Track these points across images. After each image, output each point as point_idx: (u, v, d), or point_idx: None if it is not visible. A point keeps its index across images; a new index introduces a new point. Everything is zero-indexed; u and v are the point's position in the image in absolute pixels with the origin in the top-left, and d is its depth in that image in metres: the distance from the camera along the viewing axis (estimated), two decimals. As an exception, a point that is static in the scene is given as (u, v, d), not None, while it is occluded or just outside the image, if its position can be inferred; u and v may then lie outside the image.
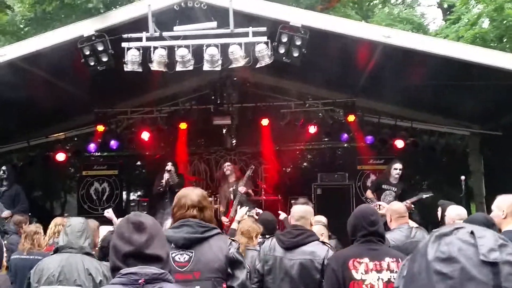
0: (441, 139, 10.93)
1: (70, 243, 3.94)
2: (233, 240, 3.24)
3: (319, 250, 3.97)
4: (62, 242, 4.01)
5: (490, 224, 3.85)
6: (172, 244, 2.99)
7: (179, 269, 2.95)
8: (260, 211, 6.92)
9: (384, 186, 8.80)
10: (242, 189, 8.69)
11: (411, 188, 8.80)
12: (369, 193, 8.96)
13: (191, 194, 3.18)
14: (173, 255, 2.96)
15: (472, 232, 1.18)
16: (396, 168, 8.70)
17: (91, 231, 4.22)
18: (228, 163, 9.49)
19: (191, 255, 2.98)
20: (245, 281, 3.08)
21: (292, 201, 4.55)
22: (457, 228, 1.20)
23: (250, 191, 9.00)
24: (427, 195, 8.16)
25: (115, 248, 1.95)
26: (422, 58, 7.37)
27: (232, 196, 8.93)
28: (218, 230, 3.16)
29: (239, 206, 8.22)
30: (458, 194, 7.99)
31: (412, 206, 8.10)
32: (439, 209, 5.80)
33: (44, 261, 4.06)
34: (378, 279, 3.16)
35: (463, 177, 7.46)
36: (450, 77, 8.15)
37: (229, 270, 3.01)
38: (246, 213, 5.99)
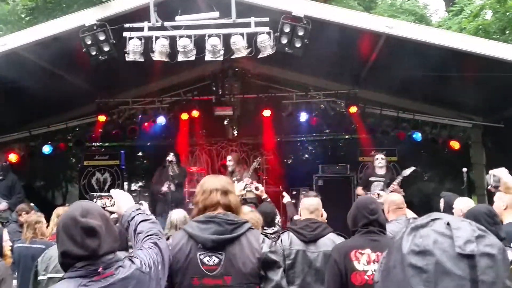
0: (443, 131, 10.91)
1: None
2: (266, 236, 3.03)
3: (338, 240, 3.97)
4: None
5: (492, 215, 3.84)
6: (199, 245, 2.76)
7: (208, 273, 2.70)
8: (260, 185, 6.85)
9: (371, 179, 8.91)
10: (247, 180, 8.68)
11: (409, 179, 8.80)
12: (359, 190, 9.05)
13: (214, 179, 3.02)
14: (201, 256, 2.72)
15: (448, 224, 1.12)
16: (377, 158, 8.86)
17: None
18: (230, 156, 9.41)
19: (221, 257, 2.72)
20: (280, 281, 2.80)
21: (303, 193, 4.47)
22: (433, 219, 1.14)
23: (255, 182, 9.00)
24: (410, 171, 8.23)
25: (66, 251, 1.99)
26: (424, 49, 7.33)
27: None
28: (249, 225, 2.90)
29: (236, 181, 8.22)
30: (460, 186, 8.01)
31: (400, 189, 8.14)
32: (442, 201, 5.79)
33: (51, 250, 4.09)
34: (379, 270, 3.15)
35: (465, 169, 7.46)
36: (452, 68, 8.12)
37: (261, 272, 2.78)
38: (244, 189, 5.96)
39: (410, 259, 1.09)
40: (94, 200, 2.74)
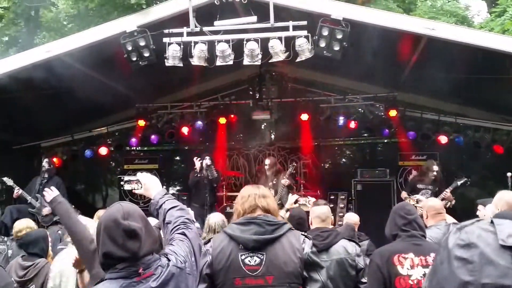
0: (486, 135, 10.63)
1: None
2: (306, 236, 3.05)
3: (350, 247, 3.97)
4: None
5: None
6: (241, 246, 2.79)
7: (250, 273, 2.74)
8: (313, 199, 6.81)
9: (419, 186, 8.83)
10: (285, 181, 8.66)
11: (449, 182, 8.63)
12: (404, 194, 8.94)
13: (252, 186, 3.14)
14: (243, 257, 2.77)
15: (491, 222, 1.23)
16: (433, 171, 8.75)
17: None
18: (268, 160, 9.38)
19: (262, 257, 2.76)
20: (326, 282, 2.89)
21: (312, 202, 4.45)
22: (478, 220, 1.27)
23: (292, 184, 8.98)
24: (462, 181, 8.32)
25: (108, 252, 2.03)
26: (467, 51, 7.16)
27: (272, 192, 8.89)
28: (290, 226, 2.95)
29: (282, 199, 8.22)
30: (504, 192, 7.75)
31: (452, 197, 8.21)
32: (479, 208, 5.61)
33: None
34: (424, 274, 3.09)
35: (509, 174, 7.26)
36: (495, 70, 7.91)
37: (305, 273, 2.81)
38: (296, 202, 5.96)
39: (456, 252, 1.19)
40: (123, 184, 2.83)
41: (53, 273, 4.40)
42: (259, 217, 2.84)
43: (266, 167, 9.15)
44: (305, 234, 3.30)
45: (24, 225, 5.42)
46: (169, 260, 2.17)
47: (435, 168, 8.80)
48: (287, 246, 2.80)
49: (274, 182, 8.90)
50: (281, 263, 2.74)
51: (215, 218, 5.06)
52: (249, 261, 2.75)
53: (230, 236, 2.85)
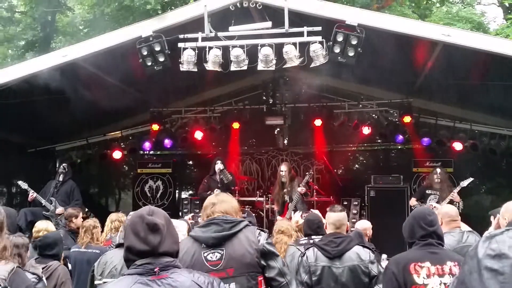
0: (501, 142, 10.51)
1: None
2: (262, 230, 3.28)
3: (363, 253, 3.96)
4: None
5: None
6: (203, 244, 3.07)
7: (213, 268, 3.00)
8: (316, 211, 6.81)
9: (428, 191, 8.96)
10: (301, 189, 8.61)
11: (464, 190, 8.62)
12: (413, 201, 9.03)
13: (212, 196, 3.45)
14: (205, 254, 3.04)
15: None
16: (436, 173, 8.94)
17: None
18: (284, 167, 9.23)
19: (222, 253, 3.04)
20: (282, 268, 3.12)
21: (327, 209, 4.43)
22: (508, 229, 1.22)
23: (305, 191, 8.93)
24: (468, 182, 8.39)
25: (129, 245, 2.11)
26: (482, 58, 7.11)
27: (287, 198, 8.83)
28: (246, 222, 3.20)
29: (293, 210, 8.17)
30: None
31: (459, 198, 8.39)
32: (492, 218, 5.52)
33: (107, 255, 4.20)
34: (440, 284, 3.06)
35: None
36: (511, 77, 7.82)
37: (262, 262, 3.07)
38: (302, 216, 5.97)
39: (486, 263, 1.15)
40: None
41: None
42: (217, 217, 3.14)
43: (282, 173, 8.99)
44: (261, 228, 3.57)
45: (44, 227, 5.47)
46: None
47: (438, 170, 9.00)
48: (244, 240, 3.07)
49: (289, 188, 8.82)
50: (239, 255, 3.03)
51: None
52: (210, 257, 3.03)
53: (193, 238, 3.15)
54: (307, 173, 9.13)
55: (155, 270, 2.05)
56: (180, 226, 4.36)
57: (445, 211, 4.75)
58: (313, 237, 4.65)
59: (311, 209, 7.71)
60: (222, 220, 3.11)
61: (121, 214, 6.41)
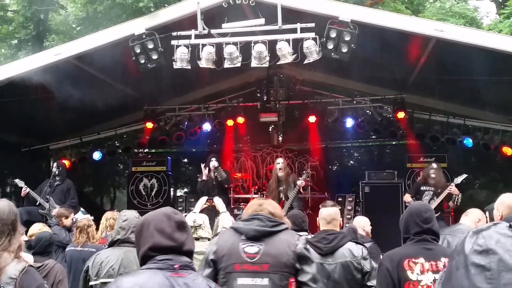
0: (495, 137, 10.55)
1: (128, 238, 3.94)
2: (301, 236, 3.33)
3: (356, 249, 3.95)
4: (119, 236, 4.03)
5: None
6: (243, 236, 3.14)
7: (248, 260, 3.06)
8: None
9: (423, 188, 8.83)
10: (301, 182, 8.58)
11: (458, 185, 8.61)
12: (407, 197, 8.94)
13: (260, 198, 3.59)
14: (243, 245, 3.10)
15: (510, 226, 1.16)
16: (432, 168, 8.82)
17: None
18: (280, 161, 9.19)
19: (260, 247, 3.08)
20: (316, 274, 3.15)
21: (320, 205, 4.41)
22: (495, 224, 1.19)
23: (305, 185, 8.92)
24: (461, 178, 8.32)
25: (155, 243, 2.11)
26: (475, 53, 7.12)
27: (282, 196, 8.78)
28: (287, 226, 3.28)
29: (289, 208, 8.15)
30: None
31: (458, 191, 8.28)
32: (487, 214, 5.53)
33: (101, 255, 4.06)
34: (434, 280, 3.06)
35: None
36: (504, 72, 7.86)
37: (297, 265, 3.09)
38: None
39: (473, 259, 1.14)
40: None
41: None
42: (262, 213, 3.21)
43: (279, 165, 8.92)
44: (301, 234, 3.66)
45: (37, 230, 5.43)
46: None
47: (434, 165, 8.90)
48: (283, 240, 3.12)
49: (284, 186, 8.76)
50: (276, 253, 3.06)
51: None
52: (248, 249, 3.09)
53: (235, 229, 3.25)
54: (304, 171, 9.13)
55: (175, 266, 2.07)
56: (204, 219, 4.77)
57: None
58: (300, 233, 4.65)
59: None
60: (265, 217, 3.18)
61: (116, 212, 6.38)
